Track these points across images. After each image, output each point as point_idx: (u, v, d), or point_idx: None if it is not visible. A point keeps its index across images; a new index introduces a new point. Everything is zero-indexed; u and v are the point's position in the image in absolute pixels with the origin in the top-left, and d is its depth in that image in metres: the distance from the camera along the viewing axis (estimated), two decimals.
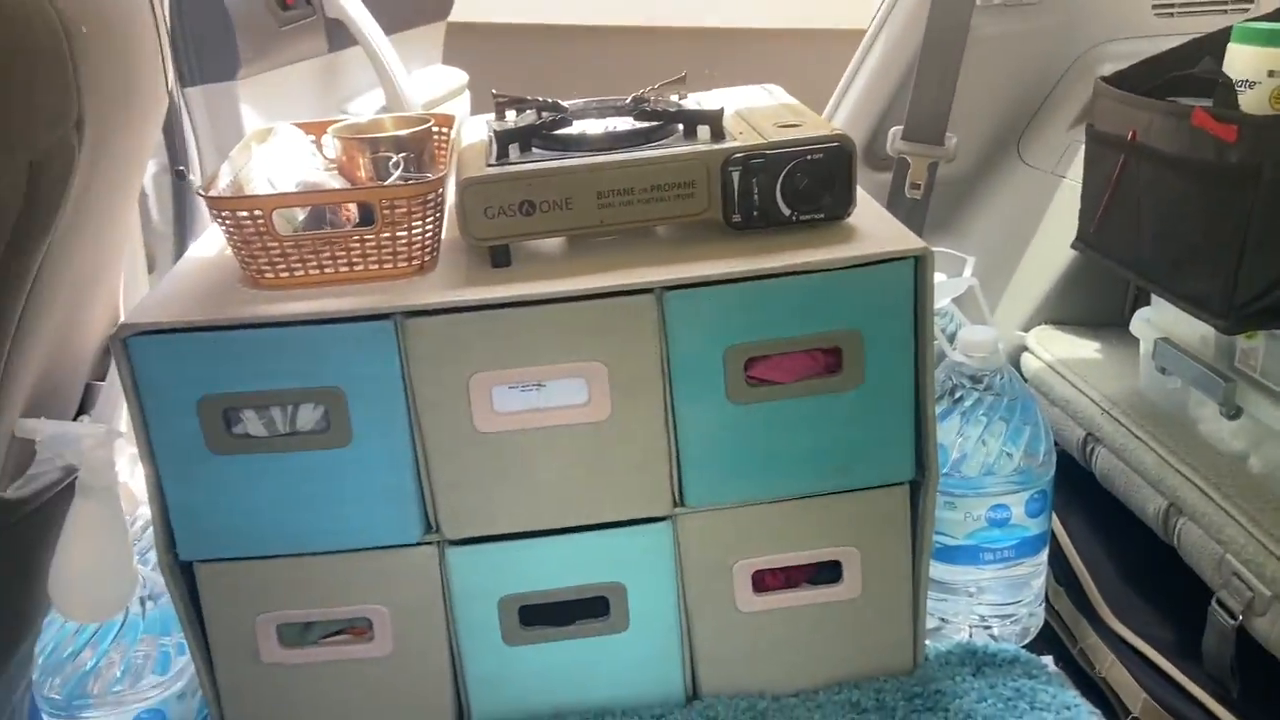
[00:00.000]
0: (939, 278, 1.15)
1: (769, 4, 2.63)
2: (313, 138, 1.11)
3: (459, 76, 2.04)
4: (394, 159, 0.99)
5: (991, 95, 1.75)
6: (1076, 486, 1.33)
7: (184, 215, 1.41)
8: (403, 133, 1.02)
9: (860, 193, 0.97)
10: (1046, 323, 1.60)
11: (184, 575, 0.95)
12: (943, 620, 1.12)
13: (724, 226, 0.94)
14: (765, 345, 0.92)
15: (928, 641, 1.05)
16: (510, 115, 1.06)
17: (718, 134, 0.96)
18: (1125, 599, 1.21)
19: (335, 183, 1.03)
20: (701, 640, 1.00)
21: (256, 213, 0.89)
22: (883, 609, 1.01)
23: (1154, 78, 1.23)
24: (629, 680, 1.00)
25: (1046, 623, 1.17)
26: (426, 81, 1.90)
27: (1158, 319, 1.31)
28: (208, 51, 1.38)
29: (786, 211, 0.94)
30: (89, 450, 0.91)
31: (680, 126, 0.98)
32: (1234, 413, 1.16)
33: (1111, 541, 1.29)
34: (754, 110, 1.04)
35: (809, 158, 0.93)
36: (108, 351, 1.10)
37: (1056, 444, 1.12)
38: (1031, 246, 1.66)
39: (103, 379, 1.10)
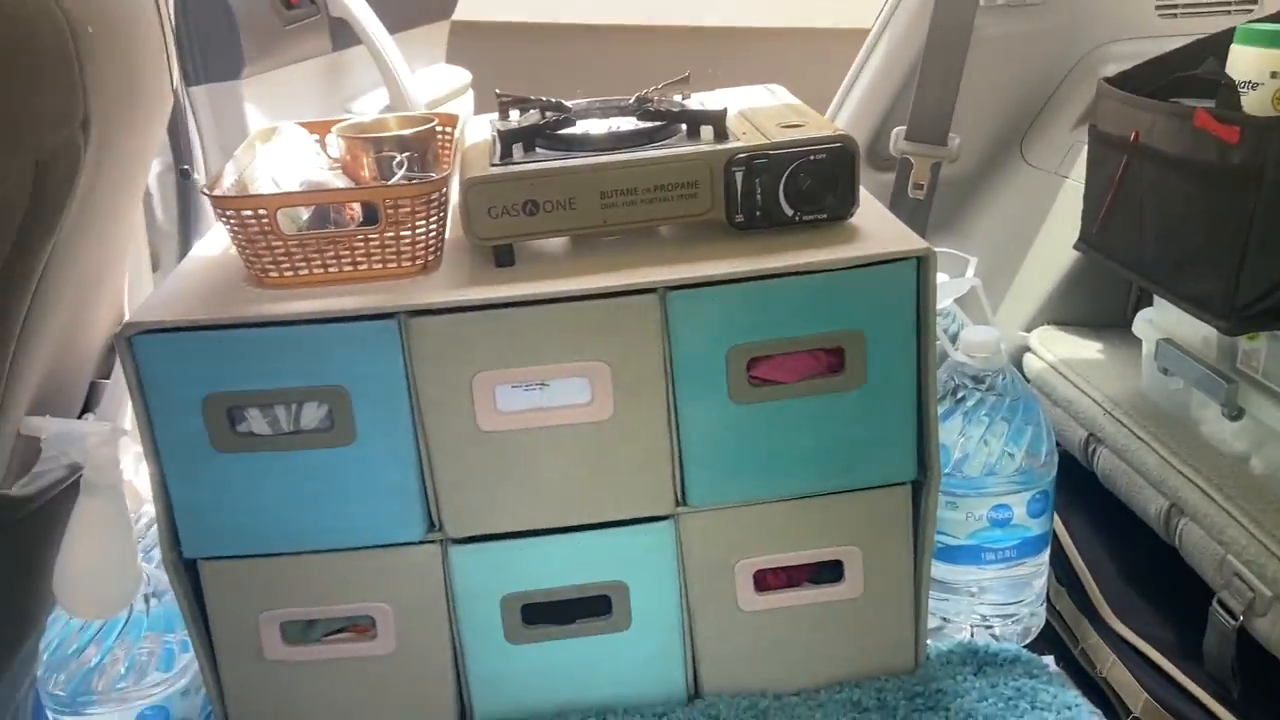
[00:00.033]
0: (941, 278, 1.15)
1: (772, 3, 2.63)
2: (317, 137, 1.11)
3: (462, 75, 2.04)
4: (398, 158, 0.99)
5: (995, 96, 1.75)
6: (1078, 487, 1.33)
7: (188, 214, 1.42)
8: (406, 132, 1.03)
9: (863, 193, 0.97)
10: (1049, 323, 1.60)
11: (188, 573, 0.95)
12: (944, 620, 1.12)
13: (727, 227, 0.95)
14: (768, 345, 0.92)
15: (929, 641, 1.05)
16: (514, 115, 1.06)
17: (721, 134, 0.96)
18: (1126, 599, 1.21)
19: (339, 182, 1.03)
20: (703, 639, 1.00)
21: (261, 212, 0.89)
22: (884, 608, 1.01)
23: (1157, 79, 1.24)
24: (631, 679, 1.01)
25: (1048, 623, 1.17)
26: (430, 80, 1.90)
27: (1160, 320, 1.31)
28: (212, 51, 1.39)
29: (789, 212, 0.94)
30: (94, 448, 0.91)
31: (684, 126, 0.99)
32: (1236, 414, 1.17)
33: (1113, 542, 1.29)
34: (757, 110, 1.05)
35: (812, 158, 0.93)
36: (112, 350, 1.10)
37: (1058, 444, 1.12)
38: (1034, 247, 1.67)
39: (107, 377, 1.10)
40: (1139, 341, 1.35)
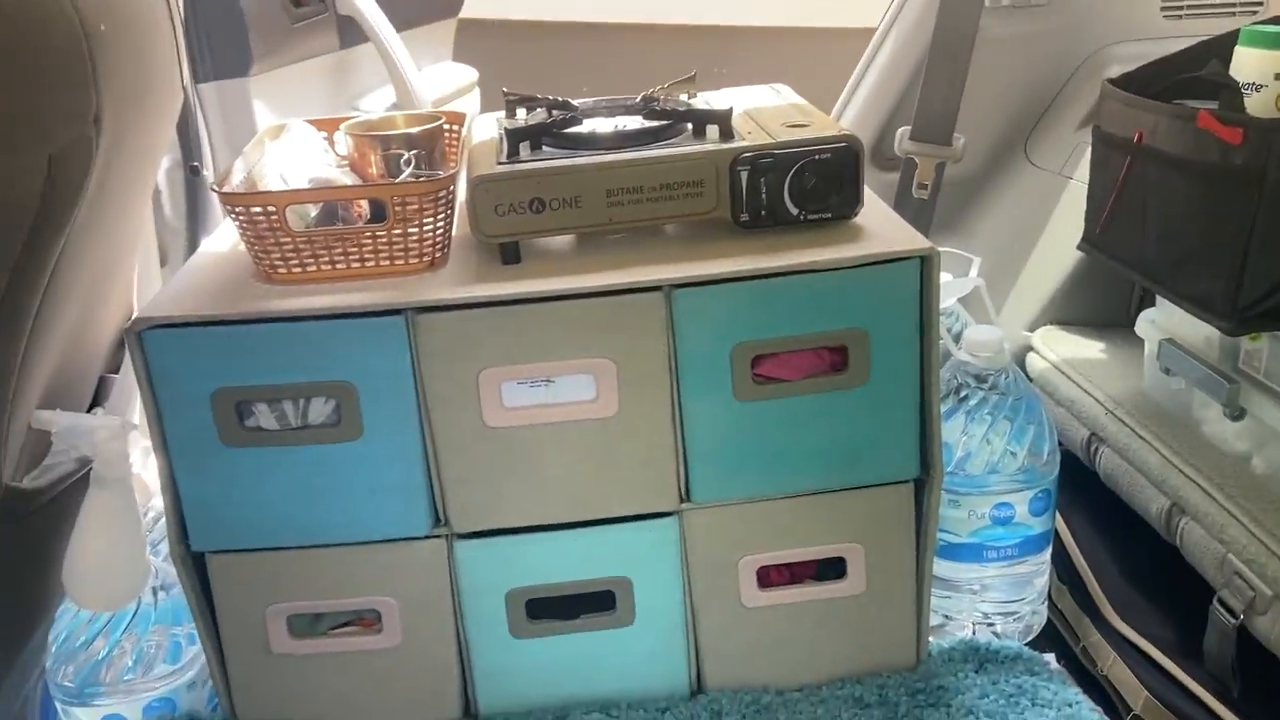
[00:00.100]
0: (945, 277, 1.15)
1: (778, 3, 2.63)
2: (325, 134, 1.12)
3: (469, 74, 2.05)
4: (405, 156, 1.00)
5: (999, 96, 1.75)
6: (1080, 486, 1.34)
7: (196, 210, 1.42)
8: (414, 130, 1.03)
9: (867, 192, 0.98)
10: (1052, 323, 1.61)
11: (196, 566, 0.96)
12: (946, 617, 1.13)
13: (732, 225, 0.95)
14: (772, 343, 0.92)
15: (931, 638, 1.06)
16: (521, 113, 1.06)
17: (726, 133, 0.97)
18: (1127, 598, 1.22)
19: (347, 179, 1.04)
20: (707, 635, 1.01)
21: (270, 208, 0.90)
22: (887, 605, 1.02)
23: (1161, 80, 1.24)
24: (635, 674, 1.01)
25: (1049, 621, 1.18)
26: (437, 78, 1.91)
27: (1163, 320, 1.32)
28: (221, 48, 1.39)
29: (794, 211, 0.95)
30: (103, 442, 0.92)
31: (689, 126, 0.99)
32: (1238, 414, 1.17)
33: (1114, 541, 1.30)
34: (762, 110, 1.05)
35: (817, 157, 0.93)
36: (121, 344, 1.11)
37: (1060, 443, 1.13)
38: (1038, 247, 1.67)
39: (116, 372, 1.11)
40: (1141, 342, 1.35)
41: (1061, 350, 1.51)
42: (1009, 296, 1.67)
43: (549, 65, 2.58)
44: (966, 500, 1.08)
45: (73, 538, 0.93)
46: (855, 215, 0.96)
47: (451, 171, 0.95)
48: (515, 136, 0.96)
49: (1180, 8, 1.72)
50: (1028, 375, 1.51)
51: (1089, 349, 1.51)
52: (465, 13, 2.14)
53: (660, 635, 1.00)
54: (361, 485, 0.93)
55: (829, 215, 0.95)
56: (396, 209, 0.91)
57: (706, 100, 1.09)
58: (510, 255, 0.94)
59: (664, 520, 0.97)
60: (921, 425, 0.96)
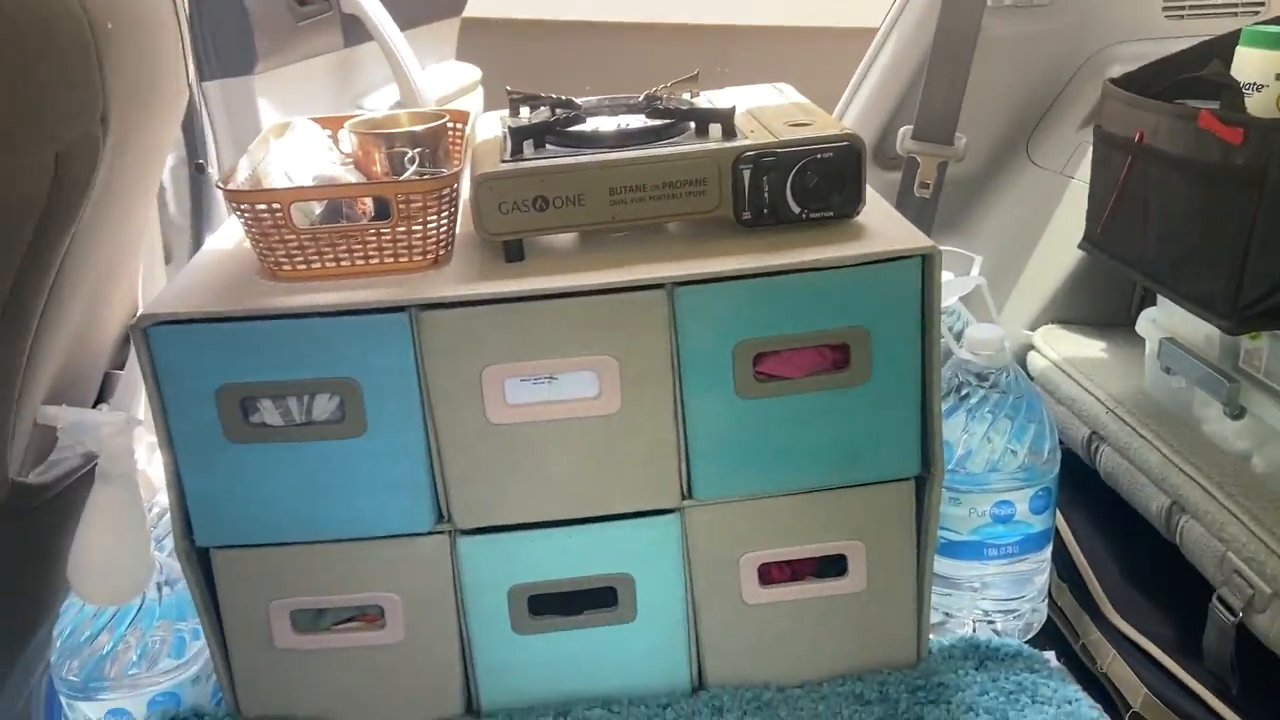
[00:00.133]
0: (946, 276, 1.16)
1: (781, 3, 2.63)
2: (329, 132, 1.12)
3: (472, 72, 2.05)
4: (409, 154, 1.00)
5: (1001, 96, 1.76)
6: (1080, 484, 1.34)
7: (201, 208, 1.43)
8: (418, 128, 1.04)
9: (869, 191, 0.98)
10: (1053, 322, 1.61)
11: (200, 561, 0.97)
12: (947, 615, 1.13)
13: (734, 224, 0.96)
14: (774, 341, 0.93)
15: (931, 636, 1.06)
16: (524, 112, 1.07)
17: (729, 132, 0.97)
18: (1127, 595, 1.22)
19: (351, 177, 1.04)
20: (708, 631, 1.01)
21: (275, 206, 0.90)
22: (887, 603, 1.02)
23: (1162, 80, 1.24)
24: (636, 670, 1.01)
25: (1049, 618, 1.18)
26: (440, 77, 1.91)
27: (1163, 319, 1.32)
28: (226, 46, 1.40)
29: (796, 209, 0.95)
30: (108, 438, 0.93)
31: (692, 124, 0.99)
32: (1238, 413, 1.17)
33: (1114, 539, 1.30)
34: (765, 109, 1.05)
35: (819, 156, 0.94)
36: (126, 341, 1.12)
37: (1061, 442, 1.13)
38: (1039, 246, 1.67)
39: (121, 368, 1.12)
40: (1142, 341, 1.36)
41: (1062, 349, 1.51)
42: (1010, 295, 1.68)
43: (552, 64, 2.59)
44: (967, 498, 1.09)
45: (78, 533, 0.93)
46: (857, 214, 0.97)
47: (455, 169, 0.96)
48: (519, 135, 0.97)
49: (1182, 8, 1.72)
50: (1029, 374, 1.51)
51: (1090, 348, 1.51)
52: (468, 12, 2.15)
53: (662, 631, 1.00)
54: (365, 481, 0.94)
55: (831, 214, 0.96)
56: (400, 207, 0.91)
57: (709, 99, 1.09)
58: (514, 253, 0.94)
59: (666, 517, 0.97)
60: (923, 423, 0.97)
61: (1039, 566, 1.13)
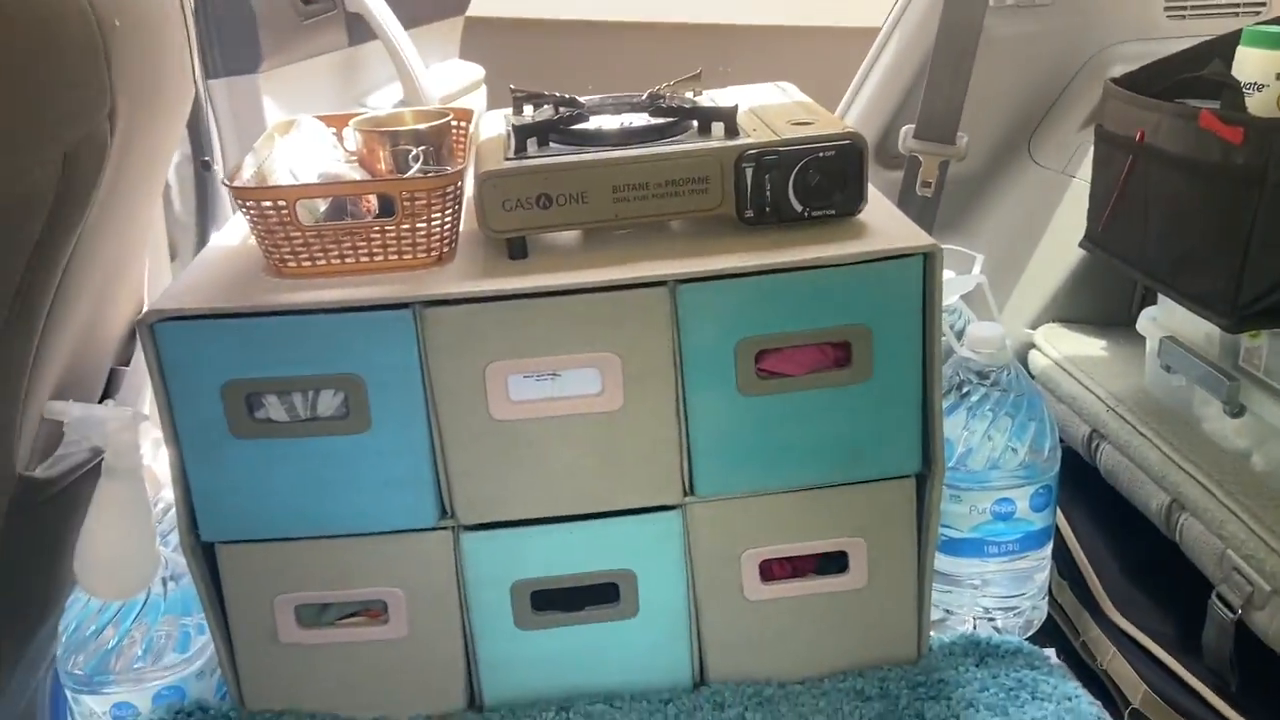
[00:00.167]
0: (948, 275, 1.16)
1: (784, 2, 2.64)
2: (334, 130, 1.13)
3: (475, 71, 2.06)
4: (413, 152, 1.01)
5: (1003, 95, 1.76)
6: (1081, 482, 1.34)
7: (206, 205, 1.44)
8: (422, 126, 1.04)
9: (871, 190, 0.99)
10: (1054, 321, 1.61)
11: (205, 556, 0.97)
12: (947, 612, 1.14)
13: (736, 222, 0.96)
14: (776, 338, 0.93)
15: (932, 632, 1.06)
16: (528, 110, 1.07)
17: (732, 130, 0.98)
18: (1127, 593, 1.23)
19: (356, 174, 1.05)
20: (709, 627, 1.02)
21: (280, 203, 0.91)
22: (888, 599, 1.02)
23: (1163, 79, 1.25)
24: (638, 665, 1.02)
25: (1049, 615, 1.18)
26: (444, 76, 1.92)
27: (1164, 318, 1.33)
28: (231, 45, 1.41)
29: (798, 207, 0.96)
30: (114, 433, 0.93)
31: (695, 123, 1.00)
32: (1237, 411, 1.18)
33: (1114, 536, 1.31)
34: (768, 107, 1.06)
35: (821, 155, 0.94)
36: (132, 337, 1.12)
37: (1062, 440, 1.13)
38: (1041, 245, 1.68)
39: (127, 364, 1.12)
40: (1143, 339, 1.36)
41: (1063, 348, 1.51)
42: (1011, 294, 1.68)
43: (555, 63, 2.59)
44: (968, 495, 1.09)
45: (84, 527, 0.94)
46: (859, 212, 0.97)
47: (459, 167, 0.96)
48: (523, 133, 0.97)
49: (1184, 8, 1.72)
50: (1029, 372, 1.51)
51: (1090, 346, 1.51)
52: (472, 11, 2.15)
53: (663, 627, 1.01)
54: (369, 477, 0.94)
55: (833, 212, 0.96)
56: (405, 204, 0.92)
57: (712, 98, 1.10)
58: (517, 250, 0.95)
59: (668, 513, 0.98)
60: (924, 421, 0.97)
61: (1039, 564, 1.14)
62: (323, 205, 0.98)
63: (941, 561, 1.10)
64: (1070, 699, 0.99)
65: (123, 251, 1.03)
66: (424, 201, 0.92)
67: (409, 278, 0.93)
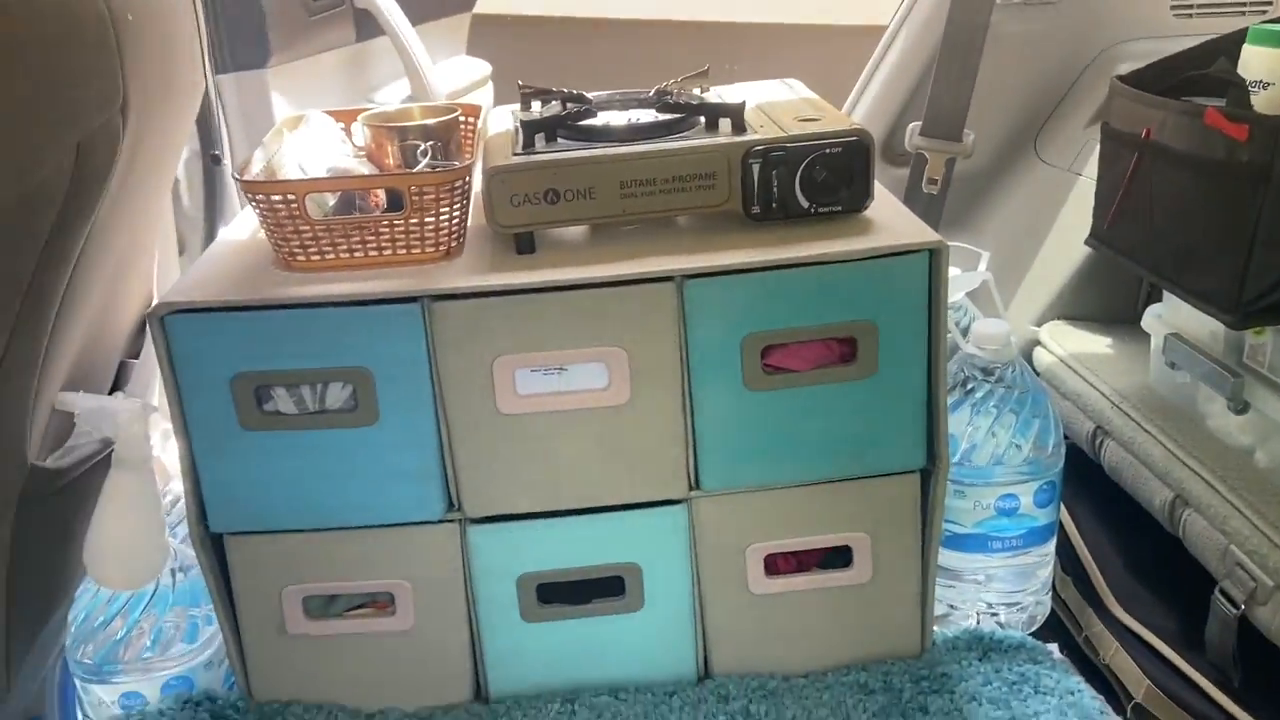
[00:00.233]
0: (953, 272, 1.17)
1: (790, 0, 2.64)
2: (342, 125, 1.13)
3: (482, 68, 2.06)
4: (422, 147, 1.01)
5: (1009, 93, 1.76)
6: (1085, 478, 1.35)
7: (215, 200, 1.44)
8: (430, 121, 1.05)
9: (878, 187, 0.99)
10: (1059, 318, 1.61)
11: (214, 547, 0.98)
12: (951, 607, 1.14)
13: (743, 217, 0.96)
14: (782, 334, 0.94)
15: (935, 627, 1.07)
16: (536, 106, 1.08)
17: (739, 127, 0.98)
18: (1130, 588, 1.23)
19: (364, 169, 1.05)
20: (714, 621, 1.02)
21: (289, 197, 0.91)
22: (892, 594, 1.03)
23: (1169, 77, 1.25)
24: (643, 658, 1.02)
25: (1052, 611, 1.19)
26: (451, 72, 1.92)
27: (1169, 315, 1.33)
28: (240, 40, 1.41)
29: (805, 203, 0.96)
30: (124, 424, 0.94)
31: (702, 119, 1.00)
32: (1242, 407, 1.18)
33: (1118, 532, 1.31)
34: (774, 104, 1.06)
35: (828, 151, 0.95)
36: (142, 330, 1.13)
37: (1066, 436, 1.13)
38: (1046, 243, 1.68)
39: (137, 357, 1.13)
40: (1148, 337, 1.36)
41: (1068, 345, 1.52)
42: (1017, 291, 1.68)
43: (561, 60, 2.59)
44: (972, 491, 1.10)
45: (94, 518, 0.95)
46: (865, 208, 0.98)
47: (467, 162, 0.97)
48: (531, 128, 0.98)
49: (1190, 6, 1.72)
50: (1034, 369, 1.52)
51: (1095, 344, 1.52)
52: (479, 7, 2.16)
53: (669, 621, 1.01)
54: (377, 470, 0.95)
55: (839, 208, 0.97)
56: (413, 199, 0.92)
57: (719, 94, 1.10)
58: (525, 245, 0.95)
59: (673, 507, 0.98)
60: (928, 417, 0.97)
61: (1043, 559, 1.14)
62: (331, 199, 0.99)
63: (945, 556, 1.10)
64: (1073, 694, 1.00)
65: (133, 244, 1.04)
66: (432, 196, 0.93)
67: (417, 272, 0.93)
